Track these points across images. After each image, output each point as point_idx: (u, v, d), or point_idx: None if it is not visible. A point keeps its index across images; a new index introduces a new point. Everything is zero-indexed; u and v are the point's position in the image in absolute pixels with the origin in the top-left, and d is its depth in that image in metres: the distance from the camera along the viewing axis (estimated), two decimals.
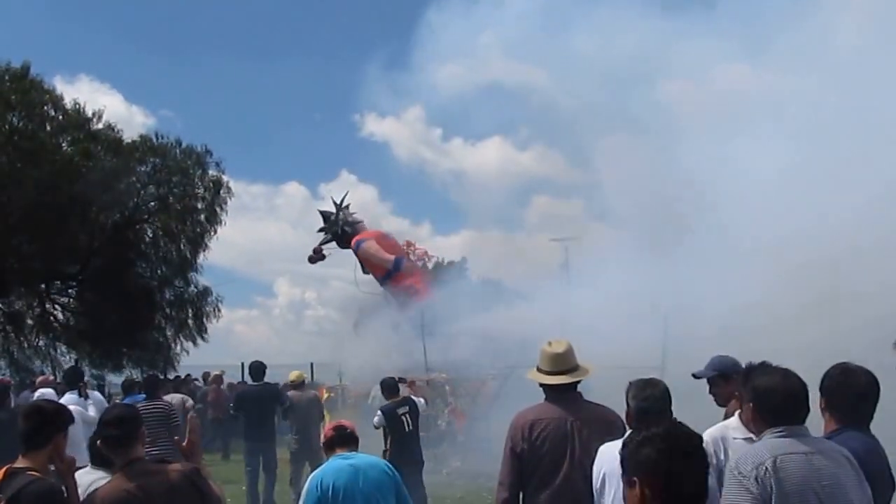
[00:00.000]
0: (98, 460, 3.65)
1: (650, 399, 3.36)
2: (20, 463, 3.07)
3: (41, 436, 3.13)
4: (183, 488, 3.13)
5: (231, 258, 53.11)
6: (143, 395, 8.18)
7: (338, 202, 19.00)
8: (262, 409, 9.04)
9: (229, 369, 18.93)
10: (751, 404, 2.85)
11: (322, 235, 19.02)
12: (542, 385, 3.76)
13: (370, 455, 4.12)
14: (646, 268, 13.14)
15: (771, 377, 2.80)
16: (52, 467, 3.16)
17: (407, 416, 7.85)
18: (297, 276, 58.85)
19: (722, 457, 3.15)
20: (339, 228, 18.54)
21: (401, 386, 9.12)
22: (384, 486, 3.98)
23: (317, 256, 18.66)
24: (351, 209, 19.09)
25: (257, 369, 9.44)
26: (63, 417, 3.27)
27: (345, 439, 3.99)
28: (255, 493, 8.90)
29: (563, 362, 3.72)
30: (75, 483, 3.19)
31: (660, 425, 1.98)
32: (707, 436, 3.24)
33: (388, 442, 7.78)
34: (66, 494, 3.09)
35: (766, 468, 2.57)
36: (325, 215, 19.07)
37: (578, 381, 3.74)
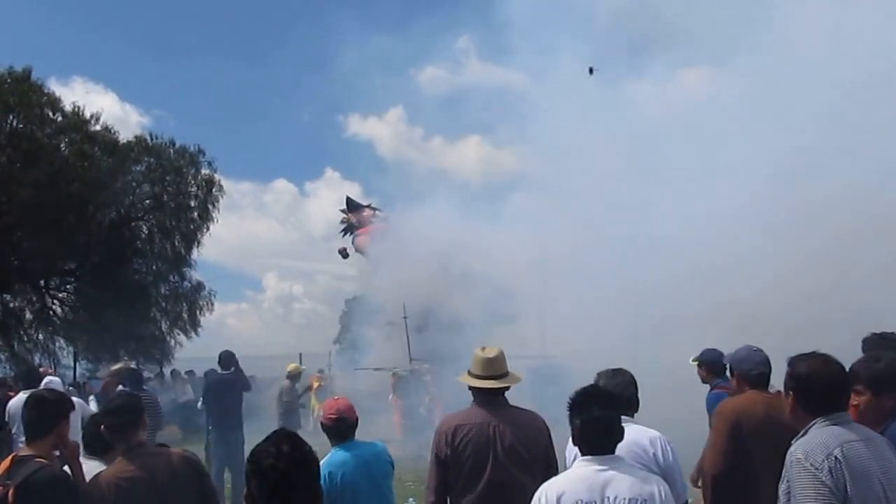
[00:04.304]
0: (91, 450, 3.70)
1: (619, 386, 3.52)
2: (26, 450, 3.16)
3: (45, 424, 3.20)
4: (183, 470, 3.28)
5: (221, 254, 53.80)
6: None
7: (367, 203, 20.15)
8: (231, 398, 9.00)
9: None
10: (791, 393, 2.77)
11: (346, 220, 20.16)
12: (471, 389, 3.80)
13: (371, 442, 4.15)
14: (618, 263, 13.93)
15: (811, 364, 2.73)
16: (57, 453, 3.26)
17: None
18: (285, 271, 59.71)
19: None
20: (355, 222, 19.66)
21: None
22: (388, 476, 4.03)
23: (342, 255, 19.64)
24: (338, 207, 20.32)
25: (227, 357, 9.27)
26: (65, 405, 3.35)
27: (346, 431, 3.97)
28: (221, 481, 8.68)
29: (494, 367, 3.76)
30: (80, 465, 3.28)
31: None
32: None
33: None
34: (71, 478, 3.18)
35: (836, 458, 2.52)
36: (350, 203, 20.22)
37: (506, 387, 3.80)
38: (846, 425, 2.65)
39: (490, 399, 3.75)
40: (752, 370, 3.95)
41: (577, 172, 16.21)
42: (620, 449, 3.20)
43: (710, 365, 5.83)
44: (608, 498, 2.70)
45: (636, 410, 3.62)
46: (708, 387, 5.83)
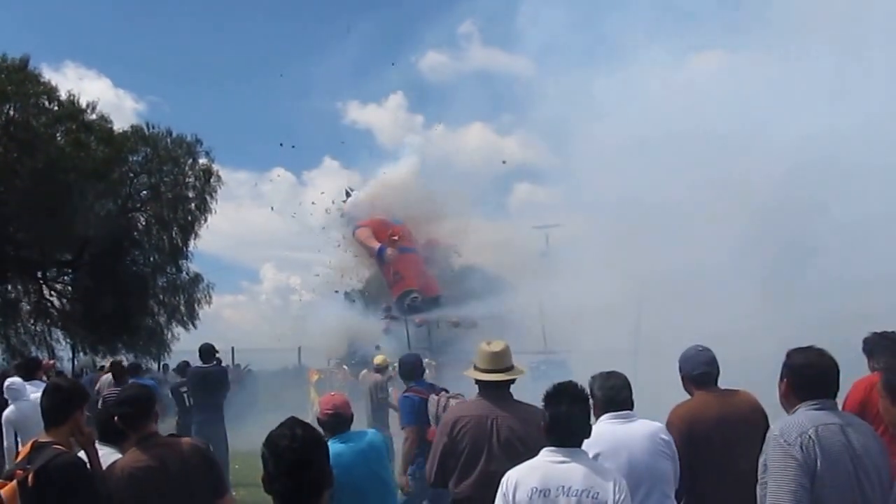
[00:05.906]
0: (104, 437, 3.72)
1: (614, 388, 3.64)
2: (45, 437, 3.25)
3: (62, 412, 3.29)
4: (194, 459, 3.34)
5: (217, 244, 53.50)
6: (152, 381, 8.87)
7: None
8: (213, 392, 8.93)
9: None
10: (785, 380, 2.96)
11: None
12: (477, 382, 3.91)
13: (363, 431, 4.22)
14: (621, 257, 13.78)
15: (806, 355, 2.93)
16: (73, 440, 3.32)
17: (186, 394, 9.50)
18: (283, 262, 59.51)
19: None
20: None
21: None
22: (384, 461, 4.16)
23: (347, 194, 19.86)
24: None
25: (207, 351, 9.25)
26: (81, 395, 3.44)
27: (341, 425, 4.08)
28: None
29: (499, 361, 3.86)
30: (97, 452, 3.34)
31: None
32: None
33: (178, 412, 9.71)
34: (88, 464, 3.25)
35: (810, 436, 2.70)
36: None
37: (512, 381, 3.89)
38: (830, 410, 2.83)
39: (494, 393, 3.85)
40: (694, 370, 3.97)
41: (582, 161, 16.04)
42: (643, 444, 3.47)
43: (402, 367, 6.14)
44: (561, 488, 2.80)
45: (631, 411, 3.69)
46: None
